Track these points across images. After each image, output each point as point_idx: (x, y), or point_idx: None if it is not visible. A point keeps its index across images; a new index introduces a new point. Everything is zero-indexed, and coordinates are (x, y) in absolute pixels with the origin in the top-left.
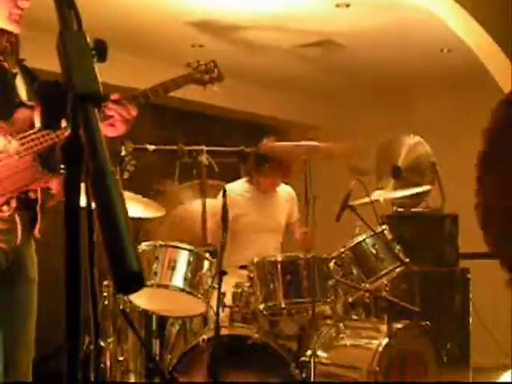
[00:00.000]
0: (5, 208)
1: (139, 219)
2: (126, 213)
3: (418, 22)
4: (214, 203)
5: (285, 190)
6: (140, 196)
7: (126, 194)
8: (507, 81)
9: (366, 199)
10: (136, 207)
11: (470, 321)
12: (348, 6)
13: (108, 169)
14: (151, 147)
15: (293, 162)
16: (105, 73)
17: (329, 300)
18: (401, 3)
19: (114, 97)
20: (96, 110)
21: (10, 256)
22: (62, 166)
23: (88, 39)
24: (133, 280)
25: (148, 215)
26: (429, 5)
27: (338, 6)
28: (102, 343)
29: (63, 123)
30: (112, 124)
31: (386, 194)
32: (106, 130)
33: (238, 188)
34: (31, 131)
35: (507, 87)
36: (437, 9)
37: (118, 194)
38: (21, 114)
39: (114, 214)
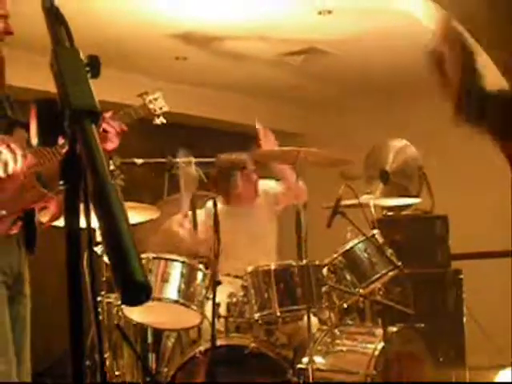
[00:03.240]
0: (14, 227)
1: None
2: (130, 227)
3: (403, 26)
4: (200, 215)
5: (266, 187)
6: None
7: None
8: None
9: (356, 203)
10: (131, 213)
11: (464, 321)
12: (330, 12)
13: (110, 183)
14: (139, 161)
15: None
16: None
17: (323, 306)
18: (384, 8)
19: (107, 114)
20: (94, 126)
21: (15, 273)
22: (61, 183)
23: (81, 55)
24: (140, 291)
25: (143, 219)
26: (411, 9)
27: (320, 13)
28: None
29: (60, 140)
30: (108, 138)
31: (377, 199)
32: (103, 145)
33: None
34: (42, 148)
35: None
36: (419, 13)
37: (120, 208)
38: (18, 132)
39: (119, 230)
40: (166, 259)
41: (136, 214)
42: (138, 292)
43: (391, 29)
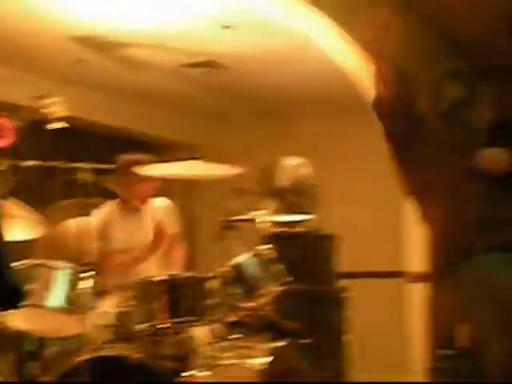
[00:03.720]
0: None
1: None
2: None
3: (302, 47)
4: (89, 222)
5: (159, 204)
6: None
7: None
8: None
9: (247, 218)
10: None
11: (348, 338)
12: (234, 28)
13: None
14: (30, 163)
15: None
16: None
17: (210, 319)
18: (285, 28)
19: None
20: None
21: None
22: None
23: None
24: (12, 297)
25: (29, 236)
26: (312, 33)
27: (224, 27)
28: None
29: None
30: (2, 135)
31: (269, 216)
32: None
33: (105, 210)
34: None
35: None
36: (318, 35)
37: None
38: None
39: None
40: (50, 266)
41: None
42: (10, 297)
43: (291, 48)
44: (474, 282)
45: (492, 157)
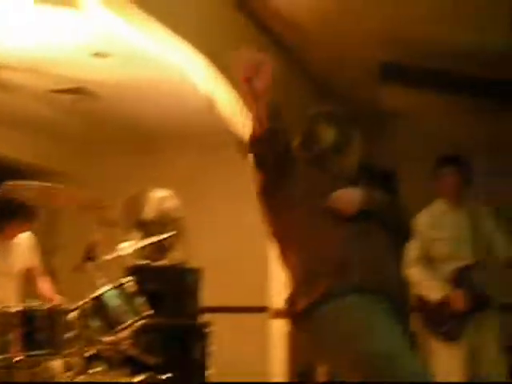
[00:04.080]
0: None
1: None
2: None
3: (175, 81)
4: None
5: (24, 236)
6: None
7: None
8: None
9: (111, 250)
10: None
11: (209, 373)
12: (106, 56)
13: None
14: None
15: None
16: None
17: (68, 352)
18: (162, 61)
19: None
20: None
21: None
22: None
23: None
24: None
25: None
26: (186, 67)
27: (96, 54)
28: None
29: None
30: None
31: (129, 246)
32: None
33: None
34: None
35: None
36: (190, 68)
37: None
38: None
39: None
40: None
41: None
42: None
43: (165, 81)
44: (330, 323)
45: (343, 196)
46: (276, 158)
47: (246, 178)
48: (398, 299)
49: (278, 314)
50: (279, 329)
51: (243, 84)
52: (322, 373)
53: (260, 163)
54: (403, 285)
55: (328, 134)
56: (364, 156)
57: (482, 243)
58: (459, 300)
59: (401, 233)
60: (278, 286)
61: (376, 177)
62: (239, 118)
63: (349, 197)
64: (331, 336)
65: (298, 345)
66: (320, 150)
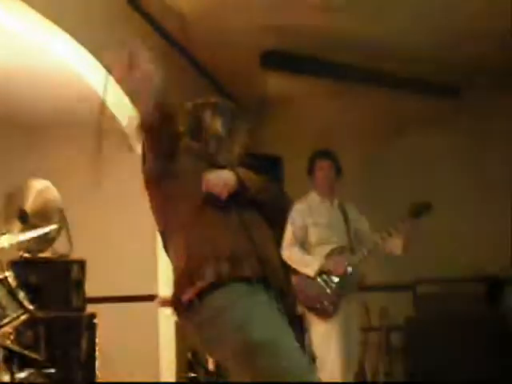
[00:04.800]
0: None
1: None
2: None
3: (60, 74)
4: None
5: None
6: None
7: None
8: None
9: None
10: None
11: (97, 365)
12: None
13: None
14: None
15: None
16: None
17: None
18: (44, 50)
19: None
20: None
21: None
22: None
23: None
24: None
25: None
26: (67, 56)
27: None
28: None
29: None
30: None
31: (10, 238)
32: None
33: None
34: None
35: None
36: (75, 62)
37: None
38: None
39: None
40: None
41: None
42: None
43: (48, 71)
44: (214, 314)
45: (214, 178)
46: (167, 143)
47: (130, 168)
48: (280, 286)
49: (166, 302)
50: (168, 317)
51: (121, 82)
52: (211, 360)
53: (152, 148)
54: (284, 271)
55: (214, 123)
56: (250, 143)
57: (349, 230)
58: (340, 266)
59: (279, 218)
60: (167, 275)
61: (262, 163)
62: (125, 110)
63: (219, 178)
64: (215, 326)
65: (186, 333)
66: (206, 139)
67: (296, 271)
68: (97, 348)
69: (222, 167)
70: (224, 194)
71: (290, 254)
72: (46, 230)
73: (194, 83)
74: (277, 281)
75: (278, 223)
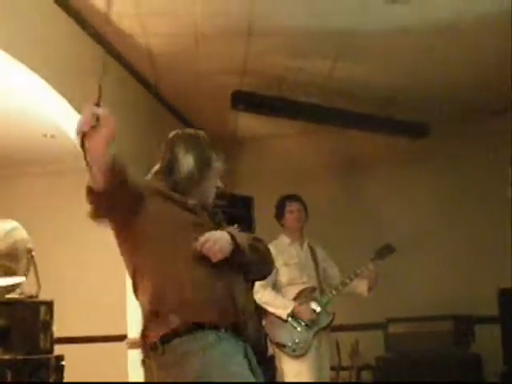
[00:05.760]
0: None
1: None
2: None
3: (26, 106)
4: None
5: None
6: None
7: None
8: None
9: None
10: None
11: None
12: None
13: None
14: None
15: None
16: None
17: None
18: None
19: None
20: None
21: None
22: None
23: None
24: None
25: None
26: (35, 93)
27: None
28: None
29: None
30: None
31: None
32: None
33: None
34: None
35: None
36: (41, 97)
37: None
38: None
39: None
40: None
41: None
42: None
43: (17, 108)
44: (179, 358)
45: (211, 243)
46: (123, 205)
47: None
48: (250, 335)
49: (134, 344)
50: (137, 358)
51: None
52: None
53: (106, 213)
54: (255, 318)
55: (187, 159)
56: (222, 181)
57: (318, 270)
58: (305, 312)
59: (261, 271)
60: (136, 316)
61: (234, 203)
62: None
63: (217, 244)
64: (175, 372)
65: (152, 376)
66: (179, 177)
67: (266, 312)
68: None
69: (192, 210)
70: (216, 260)
71: (263, 295)
72: (13, 281)
73: (165, 123)
74: (246, 330)
75: (262, 278)
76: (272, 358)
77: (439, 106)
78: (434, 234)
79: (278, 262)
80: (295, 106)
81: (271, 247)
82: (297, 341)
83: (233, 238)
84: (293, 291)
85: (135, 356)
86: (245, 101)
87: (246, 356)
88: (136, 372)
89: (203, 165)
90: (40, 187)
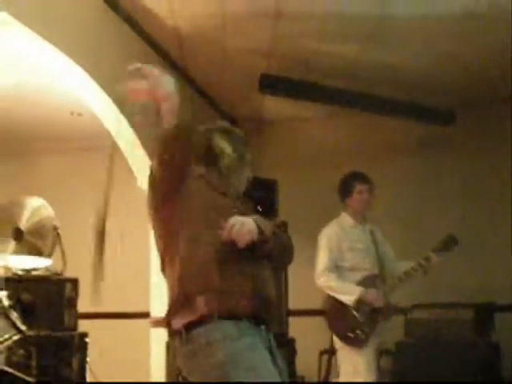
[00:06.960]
0: None
1: None
2: None
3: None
4: None
5: None
6: None
7: None
8: (128, 145)
9: None
10: None
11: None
12: None
13: None
14: None
15: None
16: None
17: None
18: (34, 64)
19: None
20: None
21: None
22: None
23: None
24: None
25: None
26: (62, 73)
27: None
28: None
29: None
30: None
31: (6, 260)
32: None
33: None
34: None
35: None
36: (70, 76)
37: None
38: None
39: None
40: None
41: None
42: None
43: (39, 87)
44: (201, 347)
45: (237, 225)
46: (182, 160)
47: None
48: (272, 322)
49: (158, 322)
50: (159, 336)
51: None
52: None
53: (167, 164)
54: (278, 307)
55: (227, 149)
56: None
57: (379, 256)
58: (379, 299)
59: (282, 259)
60: (159, 294)
61: (259, 187)
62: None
63: (243, 228)
64: (197, 361)
65: (176, 353)
66: (218, 164)
67: (329, 297)
68: (87, 368)
69: (229, 198)
70: (243, 245)
71: (328, 279)
72: (41, 263)
73: (191, 103)
74: (271, 318)
75: (283, 268)
76: (292, 341)
77: (467, 91)
78: (457, 223)
79: (343, 246)
80: (322, 89)
81: (335, 226)
82: (358, 332)
83: (257, 225)
84: (355, 278)
85: (158, 335)
86: (273, 85)
87: (268, 345)
88: (158, 350)
89: (239, 157)
90: (65, 164)
